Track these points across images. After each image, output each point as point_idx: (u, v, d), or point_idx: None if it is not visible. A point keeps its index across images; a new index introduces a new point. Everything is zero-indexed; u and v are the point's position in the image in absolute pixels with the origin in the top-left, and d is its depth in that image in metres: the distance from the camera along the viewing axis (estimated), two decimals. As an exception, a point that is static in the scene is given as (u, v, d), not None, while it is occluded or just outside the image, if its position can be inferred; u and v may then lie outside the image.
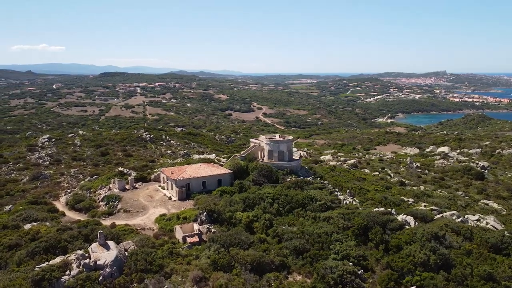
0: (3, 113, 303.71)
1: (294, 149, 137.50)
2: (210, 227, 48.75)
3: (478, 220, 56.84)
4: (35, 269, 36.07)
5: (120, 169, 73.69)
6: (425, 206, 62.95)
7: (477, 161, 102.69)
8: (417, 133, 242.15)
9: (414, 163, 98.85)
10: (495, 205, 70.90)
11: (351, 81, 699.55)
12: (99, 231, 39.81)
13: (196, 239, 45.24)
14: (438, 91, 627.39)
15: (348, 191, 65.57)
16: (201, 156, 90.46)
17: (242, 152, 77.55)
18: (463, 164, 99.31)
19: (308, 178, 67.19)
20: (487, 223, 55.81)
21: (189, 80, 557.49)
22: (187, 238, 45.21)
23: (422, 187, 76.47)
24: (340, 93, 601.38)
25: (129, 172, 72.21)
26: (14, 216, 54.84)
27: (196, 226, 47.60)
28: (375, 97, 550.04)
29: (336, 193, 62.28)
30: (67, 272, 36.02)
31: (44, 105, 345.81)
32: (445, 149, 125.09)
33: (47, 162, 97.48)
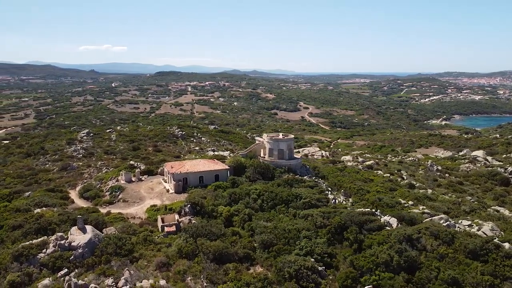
0: (64, 109, 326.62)
1: (316, 148, 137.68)
2: (192, 218, 51.69)
3: (469, 225, 55.04)
4: (19, 246, 40.94)
5: (131, 162, 78.92)
6: (422, 209, 61.74)
7: (507, 167, 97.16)
8: (465, 136, 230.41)
9: (435, 166, 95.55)
10: (506, 212, 67.52)
11: (406, 81, 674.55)
12: (78, 216, 44.14)
13: (173, 228, 48.36)
14: (501, 92, 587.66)
15: (342, 191, 65.71)
16: (215, 153, 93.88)
17: (245, 149, 79.76)
18: (489, 169, 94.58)
19: (305, 177, 68.14)
20: (479, 229, 53.91)
21: (239, 79, 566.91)
22: (165, 227, 48.47)
23: (430, 191, 74.35)
24: (393, 93, 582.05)
25: (138, 165, 77.18)
26: (28, 201, 61.12)
27: (176, 216, 50.75)
28: (431, 98, 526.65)
29: (327, 192, 62.77)
30: (44, 250, 40.58)
31: (101, 102, 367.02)
32: (479, 153, 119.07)
33: (81, 155, 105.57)
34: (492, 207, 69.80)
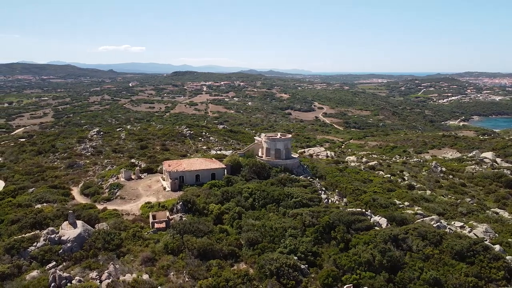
0: (81, 109, 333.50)
1: (322, 148, 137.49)
2: (183, 215, 52.78)
3: (461, 227, 54.68)
4: (11, 239, 42.71)
5: (132, 160, 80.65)
6: (417, 210, 61.56)
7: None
8: (480, 137, 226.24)
9: (439, 168, 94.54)
10: (506, 215, 66.59)
11: (424, 81, 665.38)
12: (69, 212, 45.74)
13: (163, 225, 49.55)
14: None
15: (337, 191, 65.89)
16: (218, 152, 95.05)
17: (244, 149, 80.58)
18: (495, 170, 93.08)
19: (301, 177, 68.56)
20: (471, 231, 53.53)
21: (254, 79, 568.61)
22: (155, 224, 49.71)
23: (428, 192, 73.81)
24: (411, 93, 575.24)
25: (139, 163, 78.84)
26: (30, 197, 63.32)
27: (167, 213, 51.96)
28: (449, 98, 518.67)
29: (320, 192, 63.05)
30: (34, 244, 42.25)
31: (118, 101, 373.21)
32: (488, 154, 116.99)
33: (89, 153, 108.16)
34: (492, 209, 68.99)
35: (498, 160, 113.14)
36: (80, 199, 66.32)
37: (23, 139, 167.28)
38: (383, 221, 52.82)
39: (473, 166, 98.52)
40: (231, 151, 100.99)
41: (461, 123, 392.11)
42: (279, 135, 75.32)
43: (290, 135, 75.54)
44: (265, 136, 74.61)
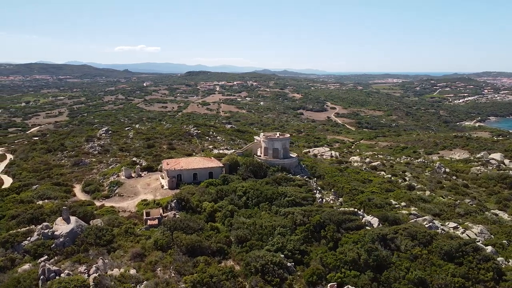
0: (96, 108, 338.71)
1: (327, 148, 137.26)
2: (177, 213, 53.79)
3: (455, 227, 54.36)
4: (6, 234, 44.26)
5: (133, 159, 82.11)
6: (412, 210, 61.37)
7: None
8: (494, 138, 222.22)
9: (443, 168, 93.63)
10: (505, 216, 65.78)
11: (439, 81, 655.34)
12: (63, 208, 47.10)
13: (155, 222, 50.59)
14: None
15: (332, 190, 66.05)
16: (220, 151, 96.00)
17: (243, 148, 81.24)
18: (500, 172, 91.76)
19: (297, 176, 68.90)
20: (464, 231, 53.21)
21: (267, 79, 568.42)
22: (148, 221, 50.79)
23: (428, 192, 73.34)
24: (426, 93, 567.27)
25: (140, 161, 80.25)
26: (33, 194, 65.20)
27: (160, 211, 53.02)
28: (465, 99, 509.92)
29: (315, 191, 63.28)
30: (28, 238, 43.71)
31: (132, 101, 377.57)
32: (496, 156, 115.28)
33: (96, 152, 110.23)
34: (492, 210, 68.22)
35: (507, 161, 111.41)
36: (81, 196, 67.94)
37: (37, 138, 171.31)
38: (375, 221, 52.89)
39: (478, 167, 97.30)
40: (233, 150, 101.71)
41: (477, 124, 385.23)
42: (277, 135, 75.79)
43: (288, 135, 75.93)
44: (263, 135, 75.20)
